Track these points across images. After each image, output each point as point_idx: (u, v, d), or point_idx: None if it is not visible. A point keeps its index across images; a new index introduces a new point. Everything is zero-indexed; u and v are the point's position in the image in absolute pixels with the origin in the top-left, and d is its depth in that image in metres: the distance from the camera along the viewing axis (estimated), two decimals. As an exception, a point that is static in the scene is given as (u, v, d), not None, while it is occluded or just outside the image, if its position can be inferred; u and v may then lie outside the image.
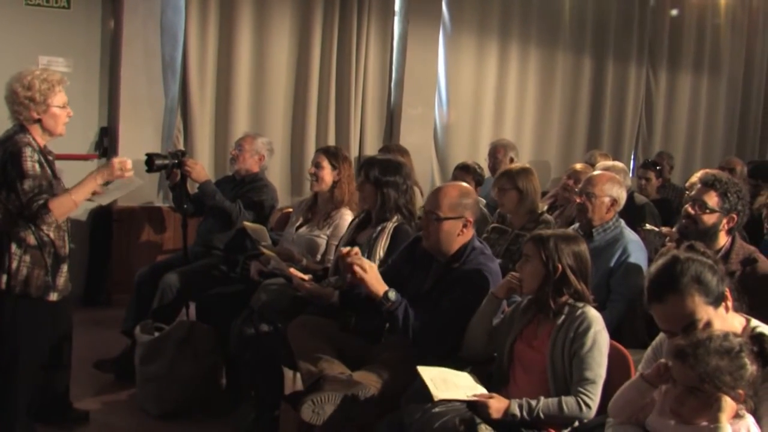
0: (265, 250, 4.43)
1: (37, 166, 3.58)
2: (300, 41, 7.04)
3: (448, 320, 3.39)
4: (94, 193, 3.99)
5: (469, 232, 3.58)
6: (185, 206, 5.36)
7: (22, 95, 3.62)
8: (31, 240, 3.61)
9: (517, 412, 2.94)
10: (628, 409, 2.55)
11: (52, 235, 3.67)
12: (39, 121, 3.66)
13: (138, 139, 6.47)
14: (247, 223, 4.92)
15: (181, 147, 6.47)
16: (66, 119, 3.75)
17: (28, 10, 6.18)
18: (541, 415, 2.92)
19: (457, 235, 3.52)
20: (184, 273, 5.00)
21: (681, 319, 2.47)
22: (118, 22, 6.47)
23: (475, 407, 2.96)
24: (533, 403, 2.95)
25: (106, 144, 6.55)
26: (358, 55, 7.23)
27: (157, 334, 4.59)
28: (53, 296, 3.73)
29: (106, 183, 3.99)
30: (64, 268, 3.76)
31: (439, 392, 2.94)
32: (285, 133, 7.09)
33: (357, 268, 3.32)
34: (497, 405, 2.96)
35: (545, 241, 3.11)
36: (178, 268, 5.08)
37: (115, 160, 3.75)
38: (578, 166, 5.92)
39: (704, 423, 2.27)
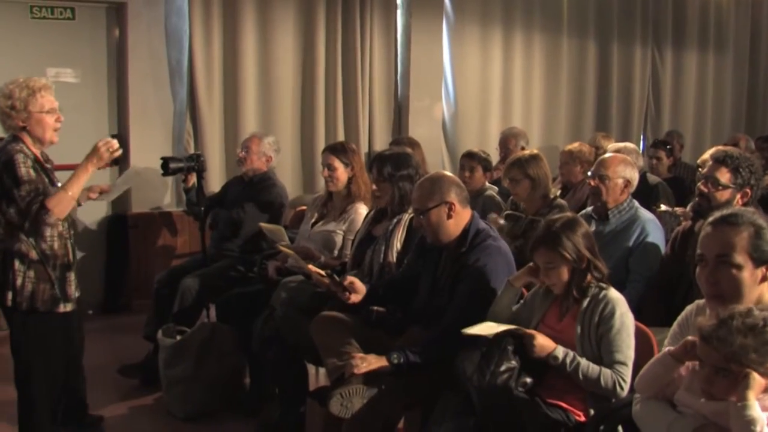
0: (283, 249, 4.45)
1: (31, 171, 3.54)
2: (304, 39, 7.05)
3: (466, 311, 3.38)
4: (101, 192, 4.00)
5: (464, 214, 3.57)
6: (197, 210, 5.40)
7: (3, 105, 3.60)
8: (33, 255, 3.58)
9: (560, 355, 2.98)
10: (655, 385, 2.56)
11: (56, 246, 3.65)
12: (25, 128, 3.62)
13: (149, 145, 6.52)
14: (263, 225, 4.93)
15: (192, 150, 6.50)
16: (56, 125, 3.69)
17: (34, 22, 6.22)
18: (580, 374, 2.95)
19: (447, 219, 3.52)
20: (202, 275, 5.03)
21: (719, 246, 2.51)
22: (123, 31, 6.51)
23: (521, 340, 3.00)
24: (579, 358, 2.97)
25: (118, 151, 6.57)
26: (362, 50, 7.24)
27: (179, 337, 4.63)
28: (63, 307, 3.71)
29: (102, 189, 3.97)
30: (71, 276, 3.74)
31: (490, 331, 3.00)
32: (294, 131, 7.11)
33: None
34: (543, 342, 3.01)
35: (558, 240, 3.06)
36: (195, 271, 5.11)
37: (100, 142, 3.65)
38: (567, 149, 5.96)
39: (733, 399, 2.27)
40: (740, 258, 2.49)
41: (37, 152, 3.69)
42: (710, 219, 2.60)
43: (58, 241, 3.66)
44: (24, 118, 3.61)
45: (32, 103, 3.61)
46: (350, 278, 3.69)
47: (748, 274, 2.50)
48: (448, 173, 3.76)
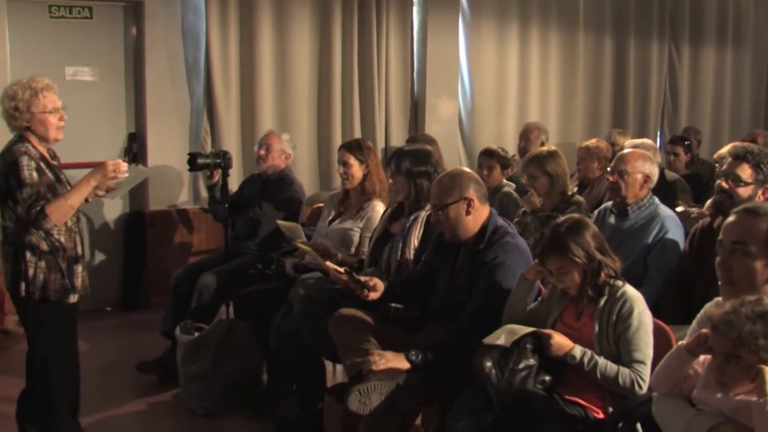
0: (301, 246, 4.46)
1: (34, 173, 3.60)
2: (320, 36, 7.06)
3: (484, 309, 3.39)
4: (107, 190, 4.06)
5: (482, 211, 3.57)
6: (219, 207, 5.42)
7: (8, 106, 3.66)
8: (44, 246, 3.65)
9: (577, 354, 2.98)
10: (670, 380, 2.56)
11: (63, 239, 3.70)
12: (29, 128, 3.69)
13: (166, 143, 6.57)
14: (281, 222, 4.94)
15: (209, 148, 6.53)
16: (60, 123, 3.74)
17: (52, 22, 6.25)
18: (598, 373, 2.95)
19: (466, 215, 3.52)
20: (220, 273, 5.05)
21: (737, 233, 2.57)
22: (140, 29, 6.53)
23: (540, 339, 3.01)
24: (596, 357, 2.97)
25: (135, 149, 6.62)
26: (379, 47, 7.24)
27: (197, 334, 4.65)
28: (72, 298, 3.78)
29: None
30: (79, 269, 3.79)
31: (509, 338, 3.00)
32: (311, 128, 7.12)
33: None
34: (560, 341, 3.01)
35: (567, 246, 3.04)
36: (213, 268, 5.13)
37: (109, 163, 3.73)
38: (584, 144, 5.96)
39: (753, 398, 2.27)
40: (755, 247, 2.53)
41: (43, 150, 3.75)
42: (738, 208, 2.65)
43: (65, 235, 3.72)
44: (27, 119, 3.67)
45: (35, 104, 3.66)
46: (369, 277, 3.70)
47: (762, 265, 2.53)
48: (467, 169, 3.76)
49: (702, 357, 2.51)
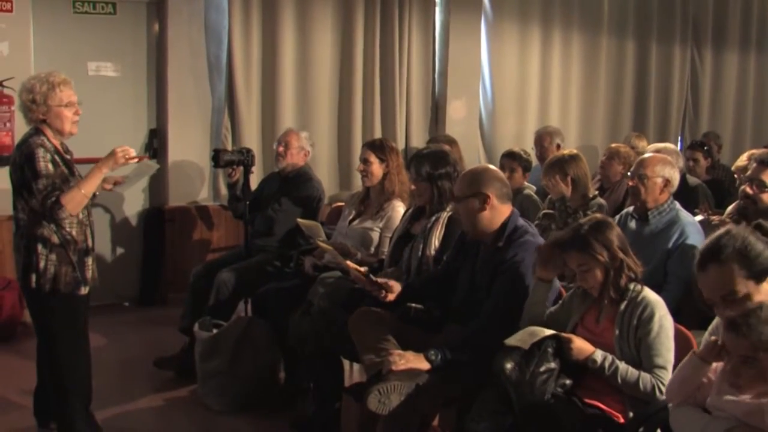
0: (322, 245, 4.47)
1: (50, 165, 3.66)
2: (343, 35, 7.06)
3: (503, 307, 3.39)
4: (115, 183, 4.13)
5: (502, 210, 3.56)
6: (239, 205, 5.43)
7: (25, 98, 3.73)
8: (55, 239, 3.70)
9: (598, 359, 2.98)
10: (684, 388, 2.58)
11: (74, 232, 3.75)
12: (45, 121, 3.75)
13: (187, 139, 6.59)
14: (300, 220, 4.94)
15: (230, 145, 6.55)
16: (75, 118, 3.80)
17: (76, 17, 6.28)
18: (619, 378, 2.94)
19: (480, 211, 3.52)
20: (238, 270, 5.05)
21: (719, 289, 2.52)
22: (163, 25, 6.55)
23: (560, 343, 3.01)
24: (617, 362, 2.96)
25: (156, 145, 6.65)
26: (401, 47, 7.23)
27: (215, 330, 4.65)
28: (83, 290, 3.83)
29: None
30: (89, 261, 3.84)
31: (530, 340, 2.99)
32: (331, 127, 7.13)
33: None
34: (581, 345, 3.02)
35: (589, 242, 3.05)
36: (232, 265, 5.14)
37: (118, 149, 3.78)
38: (614, 145, 5.91)
39: (765, 400, 2.29)
40: (743, 287, 2.50)
41: (57, 143, 3.80)
42: (696, 261, 2.61)
43: (77, 227, 3.77)
44: (44, 112, 3.73)
45: (51, 97, 3.72)
46: (385, 279, 3.71)
47: (758, 292, 2.52)
48: (494, 168, 3.77)
49: (714, 365, 2.51)
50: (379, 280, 3.71)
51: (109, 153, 3.78)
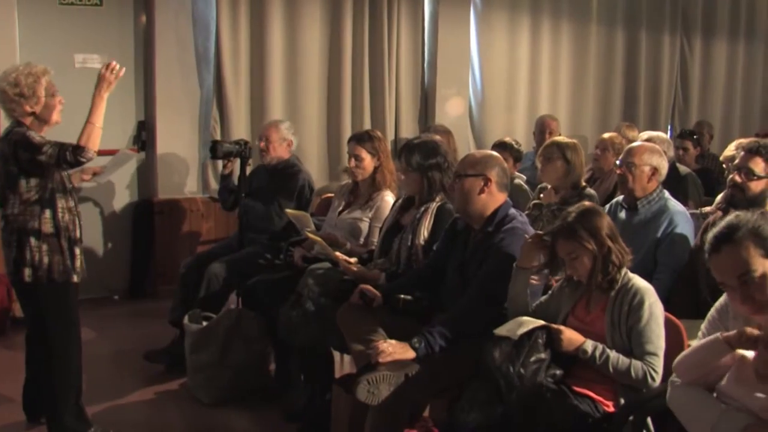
0: (310, 235, 4.46)
1: (45, 137, 3.68)
2: (331, 26, 7.04)
3: (487, 291, 3.40)
4: (94, 174, 4.17)
5: (498, 196, 3.57)
6: (233, 197, 5.43)
7: (11, 93, 3.70)
8: (49, 228, 3.71)
9: (589, 349, 2.98)
10: (699, 370, 2.55)
11: (66, 217, 3.76)
12: (33, 113, 3.74)
13: (175, 131, 6.57)
14: (289, 211, 4.93)
15: (218, 137, 6.53)
16: (59, 106, 3.82)
17: (61, 9, 6.24)
18: (610, 367, 2.94)
19: (479, 193, 3.53)
20: (229, 262, 5.04)
21: (735, 270, 2.46)
22: (150, 17, 6.52)
23: (550, 334, 3.01)
24: (608, 351, 2.96)
25: (145, 137, 6.62)
26: (389, 38, 7.22)
27: (205, 323, 4.64)
28: (75, 278, 3.84)
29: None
30: (77, 250, 3.85)
31: (519, 330, 2.99)
32: (320, 118, 7.11)
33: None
34: (571, 335, 3.02)
35: (577, 229, 3.05)
36: (222, 257, 5.12)
37: (104, 70, 3.80)
38: (606, 136, 5.90)
39: None
40: (759, 266, 2.44)
41: (41, 135, 3.79)
42: (708, 245, 2.54)
43: (68, 215, 3.78)
44: (33, 104, 3.72)
45: (39, 88, 3.73)
46: (362, 287, 3.70)
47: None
48: (500, 156, 3.78)
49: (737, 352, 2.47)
50: (365, 287, 3.71)
51: (98, 79, 3.80)
